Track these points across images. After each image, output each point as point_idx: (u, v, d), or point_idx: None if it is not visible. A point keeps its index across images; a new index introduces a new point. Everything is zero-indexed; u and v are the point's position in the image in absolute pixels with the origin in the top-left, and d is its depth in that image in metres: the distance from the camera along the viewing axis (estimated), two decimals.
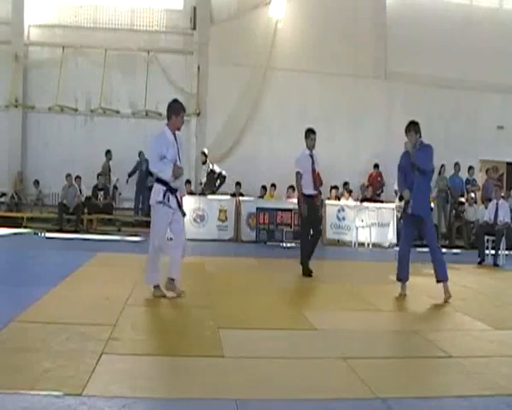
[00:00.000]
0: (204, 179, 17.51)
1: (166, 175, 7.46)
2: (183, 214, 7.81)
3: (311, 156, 10.38)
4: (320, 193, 11.14)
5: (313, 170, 10.34)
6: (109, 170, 19.04)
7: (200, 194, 17.40)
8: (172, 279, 7.67)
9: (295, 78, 19.61)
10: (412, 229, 8.84)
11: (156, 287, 7.71)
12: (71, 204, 17.51)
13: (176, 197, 7.66)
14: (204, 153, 17.56)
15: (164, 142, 7.57)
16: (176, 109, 7.72)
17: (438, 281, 8.49)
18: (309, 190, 10.32)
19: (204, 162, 17.49)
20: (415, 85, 20.24)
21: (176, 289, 7.67)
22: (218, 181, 17.44)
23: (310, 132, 10.39)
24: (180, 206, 7.72)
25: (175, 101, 7.87)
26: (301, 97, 19.70)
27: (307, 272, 10.16)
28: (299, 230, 11.17)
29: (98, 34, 19.35)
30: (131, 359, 4.99)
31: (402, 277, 8.66)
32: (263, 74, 19.91)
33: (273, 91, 19.79)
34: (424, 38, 20.25)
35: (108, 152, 18.95)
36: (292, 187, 17.91)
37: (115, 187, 19.31)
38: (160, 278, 7.74)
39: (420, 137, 8.53)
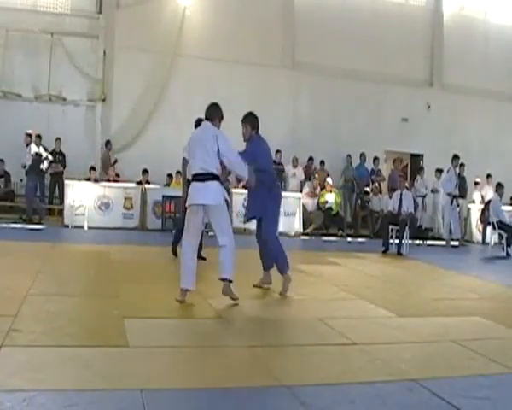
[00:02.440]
0: (29, 162, 16.49)
1: (246, 175, 7.31)
2: None
3: None
4: None
5: None
6: None
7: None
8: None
9: (203, 66, 19.46)
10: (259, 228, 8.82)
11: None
12: None
13: None
14: (29, 134, 16.60)
15: None
16: (221, 116, 7.58)
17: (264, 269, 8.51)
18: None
19: (28, 144, 16.52)
20: (321, 76, 20.50)
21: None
22: (44, 164, 16.60)
23: None
24: None
25: (217, 105, 7.66)
26: (208, 85, 19.54)
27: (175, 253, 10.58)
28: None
29: None
30: (33, 350, 4.84)
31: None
32: (170, 61, 19.65)
33: (180, 79, 19.58)
34: (331, 30, 20.55)
35: None
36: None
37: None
38: None
39: (256, 132, 8.35)
